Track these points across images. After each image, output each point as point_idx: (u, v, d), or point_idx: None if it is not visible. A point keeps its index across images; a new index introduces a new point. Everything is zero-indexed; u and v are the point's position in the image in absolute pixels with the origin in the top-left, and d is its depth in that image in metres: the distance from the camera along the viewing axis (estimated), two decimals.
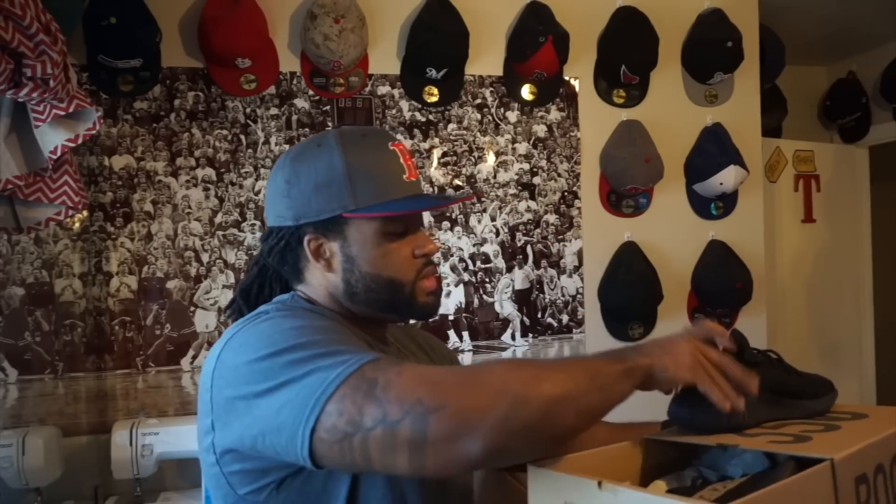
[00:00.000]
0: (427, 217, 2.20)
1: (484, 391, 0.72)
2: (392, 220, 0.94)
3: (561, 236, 2.34)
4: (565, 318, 2.34)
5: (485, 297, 2.27)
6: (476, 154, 2.26)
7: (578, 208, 2.35)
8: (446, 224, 2.22)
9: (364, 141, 0.95)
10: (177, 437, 1.81)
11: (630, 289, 2.31)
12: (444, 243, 2.23)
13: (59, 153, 1.50)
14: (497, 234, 2.27)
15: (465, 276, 2.25)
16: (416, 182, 0.97)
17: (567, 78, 2.35)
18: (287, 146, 2.09)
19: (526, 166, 2.30)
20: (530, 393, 0.71)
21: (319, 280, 0.97)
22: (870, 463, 0.73)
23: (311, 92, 2.11)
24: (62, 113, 1.45)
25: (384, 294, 0.95)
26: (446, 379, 0.75)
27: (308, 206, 0.93)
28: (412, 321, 1.11)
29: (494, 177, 2.28)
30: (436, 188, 2.21)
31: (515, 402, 0.70)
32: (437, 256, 2.17)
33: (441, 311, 2.22)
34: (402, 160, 0.95)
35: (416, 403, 0.71)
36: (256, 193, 2.08)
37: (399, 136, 1.13)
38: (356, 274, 0.94)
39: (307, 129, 2.11)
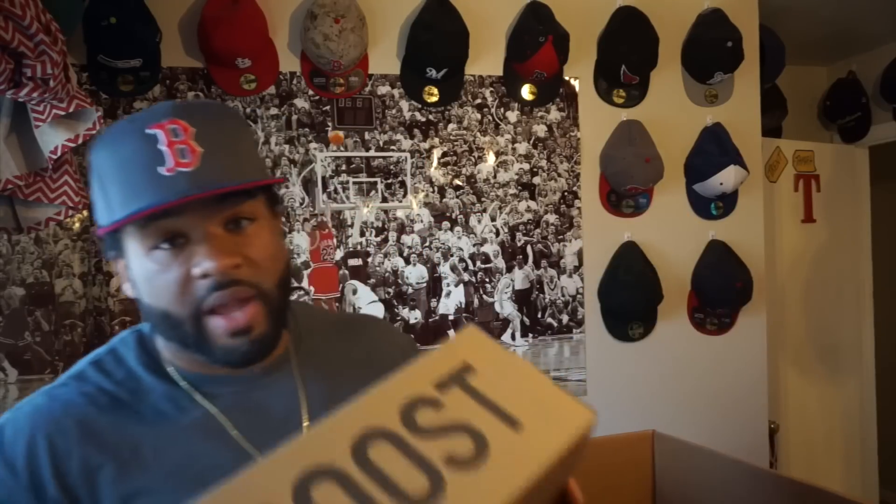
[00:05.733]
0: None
1: None
2: (145, 228, 0.69)
3: (561, 236, 2.34)
4: (565, 318, 2.34)
5: (485, 297, 2.27)
6: (476, 154, 2.26)
7: (578, 208, 2.35)
8: (446, 224, 2.22)
9: (118, 128, 0.72)
10: None
11: (630, 289, 2.31)
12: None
13: (59, 153, 1.50)
14: (497, 234, 2.27)
15: (465, 276, 2.25)
16: (182, 174, 0.67)
17: (567, 78, 2.35)
18: (287, 146, 2.09)
19: (526, 166, 2.30)
20: None
21: None
22: None
23: (311, 92, 2.11)
24: (62, 113, 1.45)
25: (168, 332, 0.73)
26: None
27: (96, 212, 0.75)
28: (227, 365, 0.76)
29: (494, 177, 2.28)
30: (435, 188, 2.21)
31: None
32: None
33: (441, 310, 2.22)
34: (162, 145, 0.68)
35: None
36: None
37: (175, 112, 0.71)
38: (141, 304, 0.74)
39: (307, 129, 2.11)
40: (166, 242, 0.69)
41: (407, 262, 2.19)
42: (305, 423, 0.78)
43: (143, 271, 0.71)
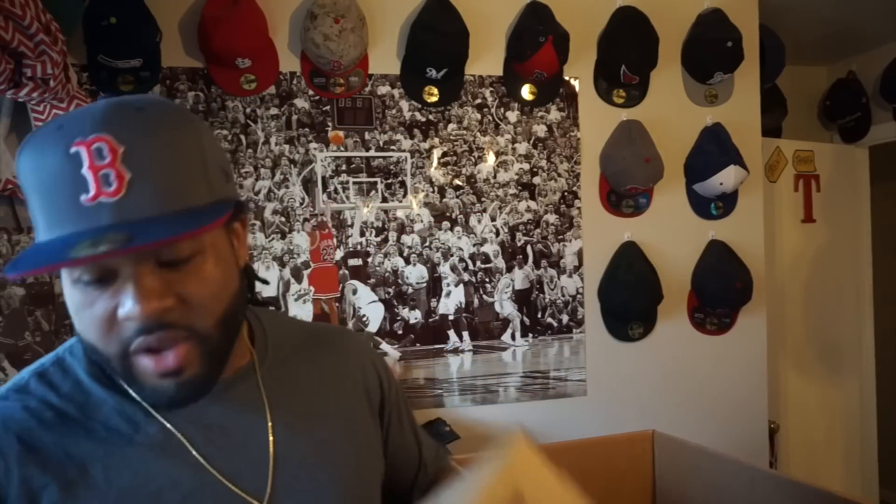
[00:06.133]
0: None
1: None
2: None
3: (561, 236, 2.34)
4: (565, 318, 2.34)
5: (485, 297, 2.27)
6: (476, 154, 2.26)
7: (578, 208, 2.35)
8: (446, 224, 2.22)
9: (44, 135, 0.63)
10: None
11: (630, 289, 2.31)
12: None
13: None
14: (497, 234, 2.28)
15: (465, 276, 2.25)
16: (103, 205, 0.59)
17: (567, 78, 2.35)
18: (287, 146, 2.09)
19: (526, 166, 2.30)
20: None
21: None
22: None
23: (311, 92, 2.11)
24: (62, 113, 1.45)
25: (107, 367, 0.67)
26: None
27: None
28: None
29: (494, 177, 2.28)
30: (435, 188, 2.21)
31: None
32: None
33: (441, 310, 2.22)
34: (84, 169, 0.59)
35: None
36: (256, 193, 2.08)
37: (103, 126, 0.62)
38: (74, 327, 0.68)
39: (307, 129, 2.11)
40: (91, 278, 0.63)
41: (407, 262, 2.19)
42: (270, 440, 0.73)
43: (71, 300, 0.65)
